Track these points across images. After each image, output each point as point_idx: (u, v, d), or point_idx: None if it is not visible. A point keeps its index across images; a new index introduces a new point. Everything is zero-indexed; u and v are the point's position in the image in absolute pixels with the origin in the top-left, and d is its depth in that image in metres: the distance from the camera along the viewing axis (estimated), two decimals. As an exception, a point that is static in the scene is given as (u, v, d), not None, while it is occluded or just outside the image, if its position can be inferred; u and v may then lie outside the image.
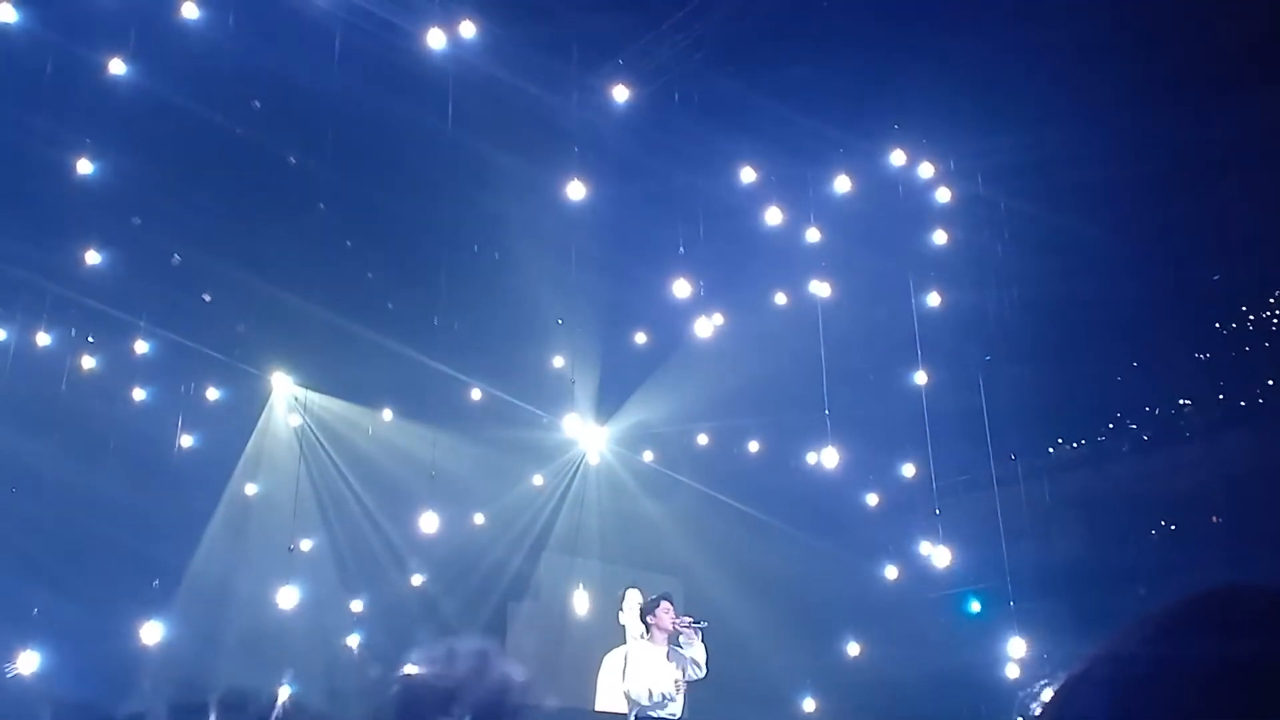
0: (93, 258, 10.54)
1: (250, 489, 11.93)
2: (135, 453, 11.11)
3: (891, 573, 12.75)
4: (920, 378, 12.03)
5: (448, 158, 10.88)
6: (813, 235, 12.13)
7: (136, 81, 9.91)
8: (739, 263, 12.30)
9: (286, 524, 12.00)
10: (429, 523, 11.97)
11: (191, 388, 11.80)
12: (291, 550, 11.54)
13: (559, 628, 13.15)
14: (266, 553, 11.60)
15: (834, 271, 12.31)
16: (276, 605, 10.93)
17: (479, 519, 12.88)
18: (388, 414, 12.45)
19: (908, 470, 12.55)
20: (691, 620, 8.17)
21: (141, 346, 11.31)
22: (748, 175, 11.70)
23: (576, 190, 10.73)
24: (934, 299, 12.48)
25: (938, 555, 11.69)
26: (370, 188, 11.14)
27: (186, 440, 11.59)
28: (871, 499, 13.13)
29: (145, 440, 11.30)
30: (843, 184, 11.94)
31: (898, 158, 11.92)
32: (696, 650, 8.11)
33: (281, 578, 11.42)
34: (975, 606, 12.36)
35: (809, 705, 12.89)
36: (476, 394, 12.44)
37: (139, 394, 11.42)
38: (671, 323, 12.27)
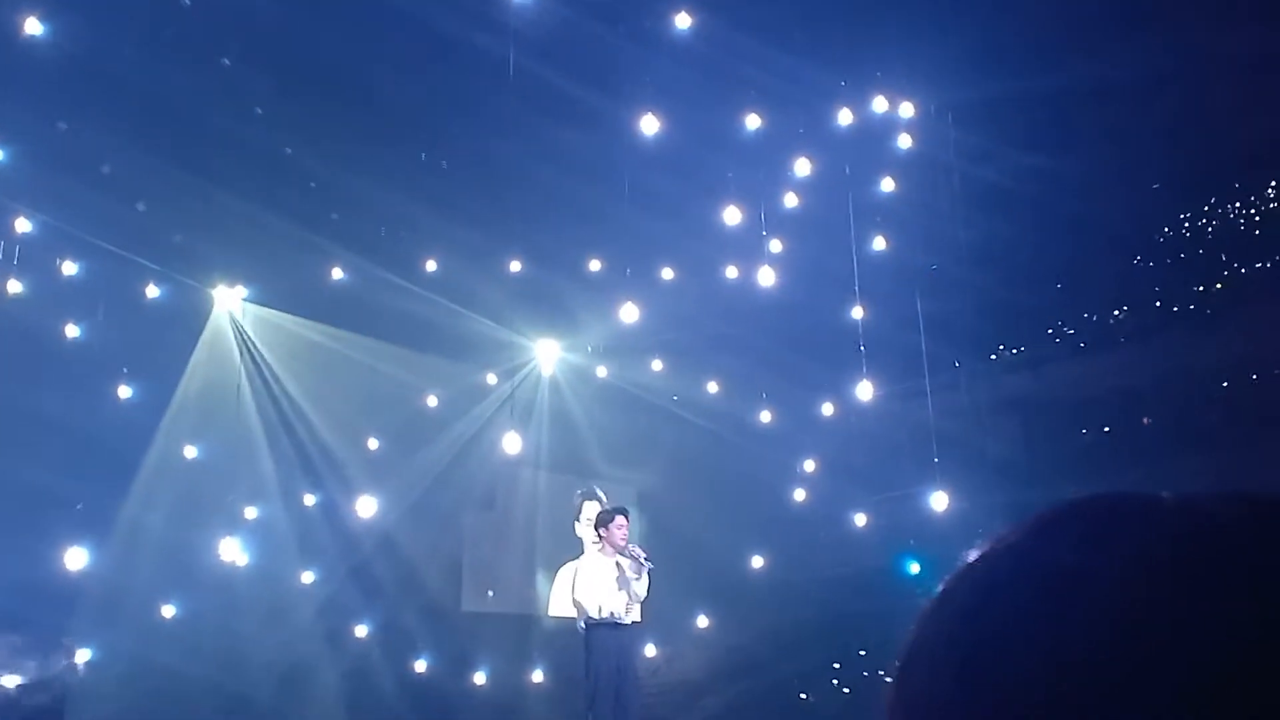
0: (14, 164, 10.07)
1: (190, 435, 11.61)
2: (68, 370, 10.80)
3: (828, 409, 13.12)
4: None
5: (391, 58, 10.53)
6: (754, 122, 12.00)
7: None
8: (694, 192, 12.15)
9: (231, 443, 11.83)
10: (379, 437, 11.96)
11: (128, 301, 11.40)
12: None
13: (515, 538, 13.27)
14: (209, 475, 11.47)
15: (783, 182, 12.28)
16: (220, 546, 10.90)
17: (431, 431, 12.83)
18: (337, 272, 12.09)
19: (857, 312, 12.51)
20: (642, 555, 8.36)
21: (72, 258, 10.89)
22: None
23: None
24: (880, 205, 12.56)
25: (862, 390, 12.04)
26: (309, 91, 10.74)
27: (124, 355, 11.27)
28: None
29: (78, 356, 10.96)
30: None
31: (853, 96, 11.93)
32: (640, 584, 8.36)
33: (228, 500, 11.36)
34: (915, 568, 12.77)
35: (757, 561, 13.37)
36: (426, 303, 12.21)
37: (72, 309, 11.02)
38: (632, 247, 12.18)
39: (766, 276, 11.88)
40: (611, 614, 8.26)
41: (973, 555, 0.65)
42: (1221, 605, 0.52)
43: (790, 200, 12.40)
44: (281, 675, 11.14)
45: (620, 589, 8.35)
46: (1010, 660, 0.55)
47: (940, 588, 0.64)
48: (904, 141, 12.31)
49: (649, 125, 10.95)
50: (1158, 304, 12.79)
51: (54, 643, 10.28)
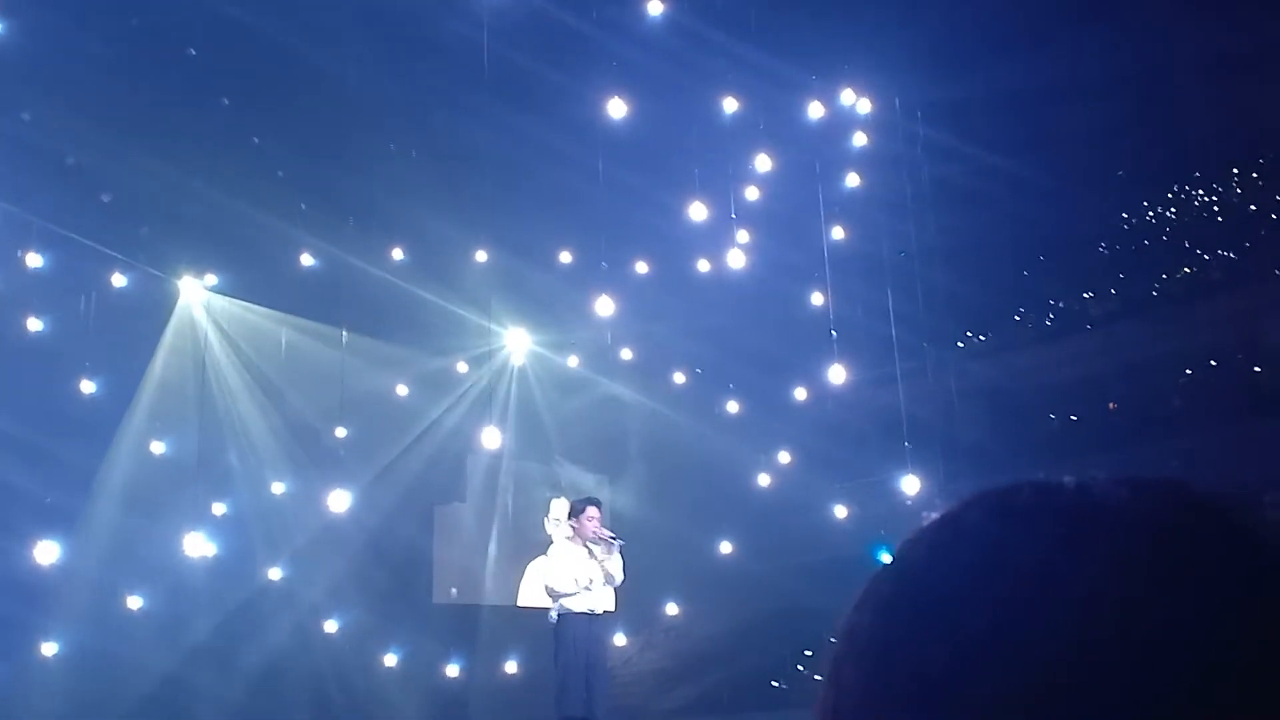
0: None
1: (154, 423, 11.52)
2: (32, 362, 10.68)
3: (801, 394, 13.15)
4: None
5: (360, 46, 10.46)
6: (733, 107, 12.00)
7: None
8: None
9: (196, 434, 11.74)
10: (347, 427, 11.91)
11: (93, 292, 11.28)
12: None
13: (485, 529, 13.25)
14: (173, 471, 11.39)
15: (752, 175, 12.31)
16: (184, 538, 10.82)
17: (400, 421, 12.78)
18: (306, 260, 12.00)
19: (827, 301, 12.61)
20: (610, 535, 8.43)
21: (36, 250, 10.76)
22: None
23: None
24: (849, 195, 12.62)
25: (834, 373, 12.06)
26: (276, 80, 10.65)
27: (88, 346, 11.15)
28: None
29: (42, 348, 10.84)
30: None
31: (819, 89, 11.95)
32: (613, 563, 8.42)
33: (191, 493, 11.28)
34: (886, 558, 12.77)
35: (726, 548, 13.39)
36: (395, 292, 12.14)
37: (35, 301, 10.88)
38: (603, 238, 12.18)
39: (737, 266, 11.90)
40: (591, 579, 8.30)
41: (897, 548, 0.66)
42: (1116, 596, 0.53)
43: (761, 192, 12.41)
44: (249, 669, 11.08)
45: (593, 570, 8.39)
46: (925, 654, 0.55)
47: (863, 586, 0.65)
48: (872, 135, 12.37)
49: (618, 113, 10.91)
50: (1122, 292, 12.94)
51: (19, 636, 10.21)
